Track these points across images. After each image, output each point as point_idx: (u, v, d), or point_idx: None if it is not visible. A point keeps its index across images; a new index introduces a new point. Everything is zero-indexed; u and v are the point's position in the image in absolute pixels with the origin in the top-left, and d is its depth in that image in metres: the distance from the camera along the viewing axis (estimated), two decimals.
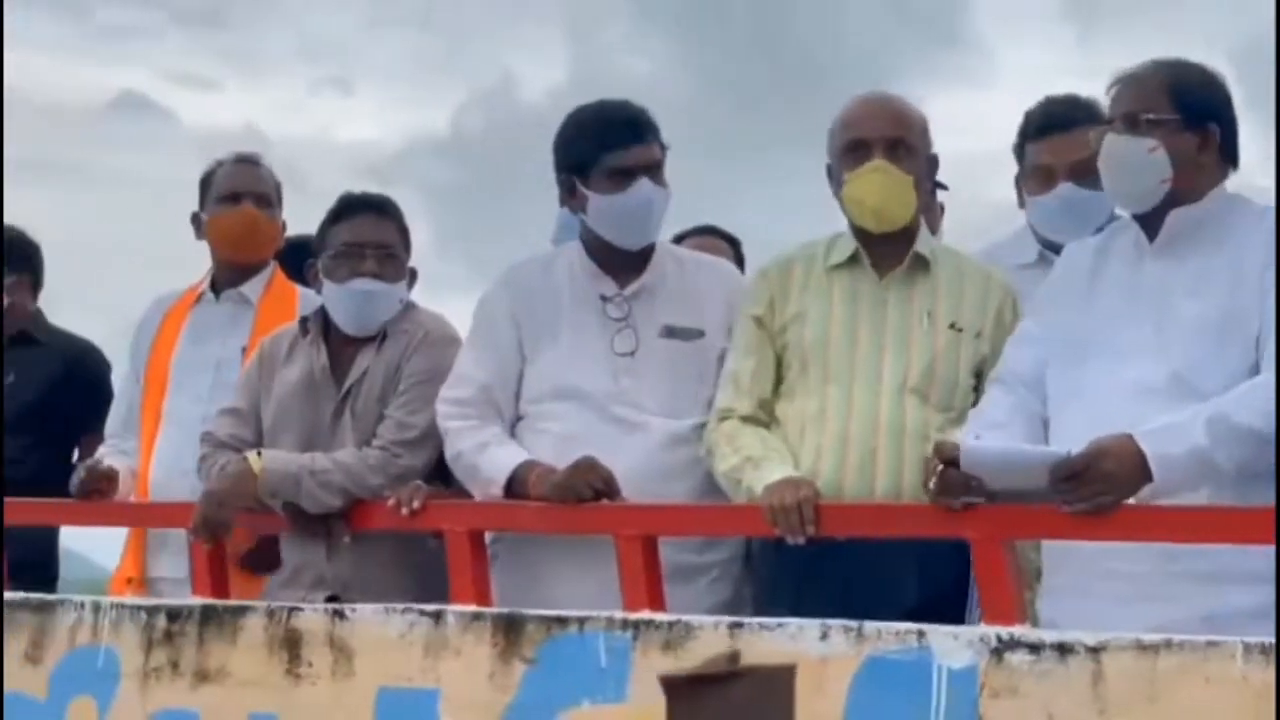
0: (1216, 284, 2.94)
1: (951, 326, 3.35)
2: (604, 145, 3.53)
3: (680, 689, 1.68)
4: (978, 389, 3.33)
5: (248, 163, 4.26)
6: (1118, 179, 3.06)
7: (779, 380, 3.42)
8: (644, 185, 3.52)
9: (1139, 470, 2.78)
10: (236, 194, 4.18)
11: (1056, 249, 3.50)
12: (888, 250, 3.41)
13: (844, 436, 3.30)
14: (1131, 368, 2.96)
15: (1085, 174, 3.51)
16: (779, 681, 1.74)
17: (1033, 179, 3.74)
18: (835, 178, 3.44)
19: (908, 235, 3.42)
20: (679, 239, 4.49)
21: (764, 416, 3.40)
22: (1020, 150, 3.78)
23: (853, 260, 3.43)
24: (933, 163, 3.53)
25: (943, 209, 4.37)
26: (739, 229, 4.86)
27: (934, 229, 4.22)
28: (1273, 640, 2.58)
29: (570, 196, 3.61)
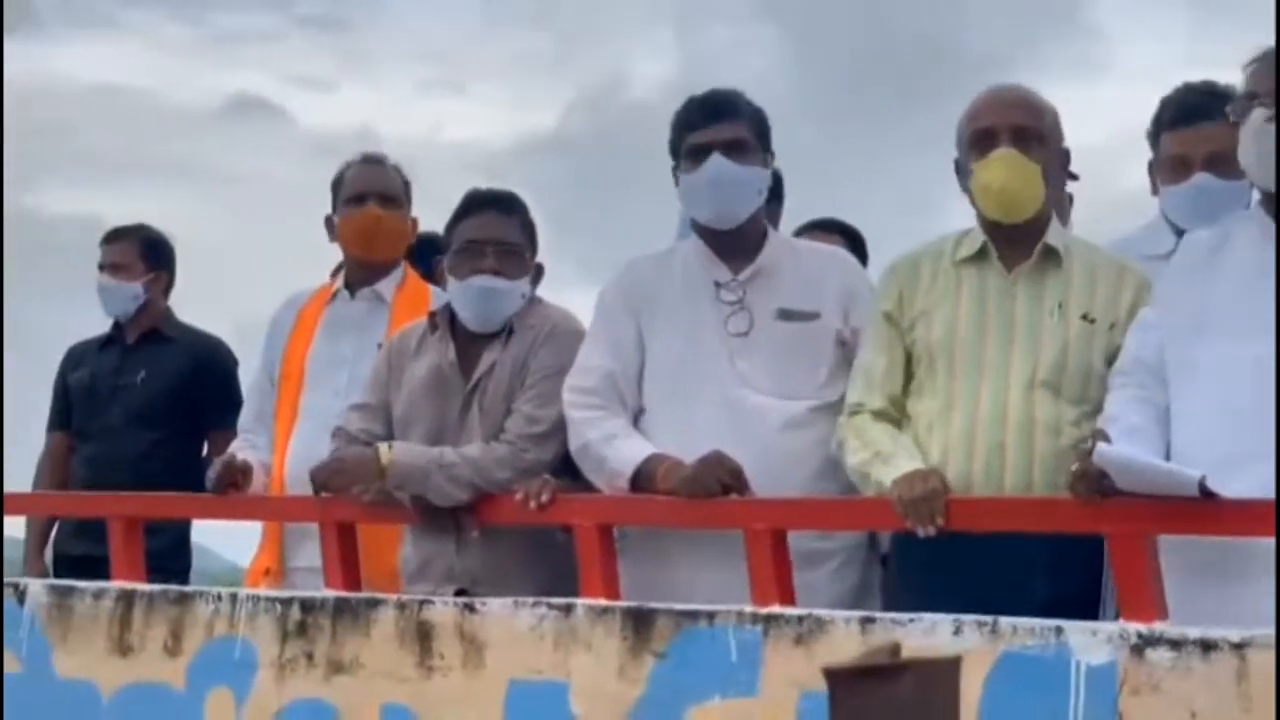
0: None
1: (1084, 318, 3.30)
2: (686, 126, 3.62)
3: (845, 681, 1.66)
4: None
5: (371, 163, 4.32)
6: (1268, 162, 2.99)
7: (909, 378, 3.40)
8: (715, 161, 3.55)
9: None
10: (362, 195, 4.24)
11: None
12: (1017, 244, 3.38)
13: (970, 432, 3.27)
14: (1252, 346, 2.91)
15: (1222, 165, 3.47)
16: (944, 673, 1.73)
17: (1167, 168, 3.69)
18: (963, 171, 3.42)
19: (1037, 228, 3.38)
20: (799, 232, 4.49)
21: (894, 412, 3.38)
22: (1155, 138, 3.73)
23: (981, 255, 3.40)
24: (1064, 156, 3.50)
25: (1072, 200, 4.32)
26: (853, 223, 4.85)
27: (1064, 220, 4.18)
28: None
29: (676, 183, 3.68)
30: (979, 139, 3.36)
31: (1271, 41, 3.05)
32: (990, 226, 3.40)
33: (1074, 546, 3.13)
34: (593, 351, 3.67)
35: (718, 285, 3.62)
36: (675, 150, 3.66)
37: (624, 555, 3.55)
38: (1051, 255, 3.38)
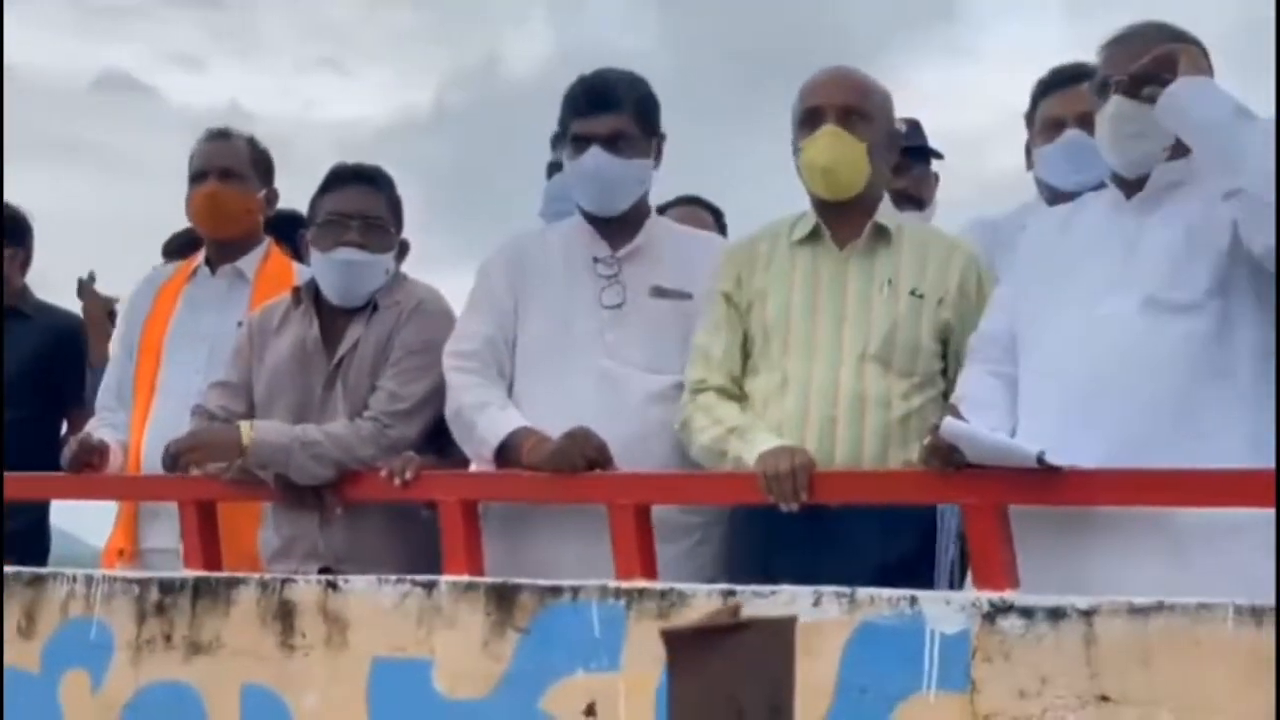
0: (1184, 215, 2.95)
1: (913, 293, 3.36)
2: (573, 112, 3.62)
3: (683, 642, 1.68)
4: (944, 356, 3.36)
5: (214, 139, 4.29)
6: (1123, 143, 3.04)
7: (746, 357, 3.44)
8: (592, 154, 3.57)
9: None
10: (203, 172, 4.22)
11: (1065, 200, 3.49)
12: (849, 223, 3.43)
13: (803, 408, 3.31)
14: (1102, 304, 2.97)
15: (1092, 125, 3.53)
16: (781, 631, 1.75)
17: (1042, 134, 3.73)
18: (795, 149, 3.47)
19: (867, 207, 3.43)
20: (662, 209, 4.51)
21: (736, 390, 3.42)
22: (1031, 118, 3.79)
23: (814, 235, 3.45)
24: (894, 135, 3.54)
25: (937, 179, 4.37)
26: (726, 200, 4.91)
27: (927, 200, 4.24)
28: (1263, 603, 2.58)
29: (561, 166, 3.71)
30: (808, 118, 3.42)
31: (1128, 24, 3.11)
32: (822, 206, 3.45)
33: (906, 516, 3.20)
34: (473, 317, 3.68)
35: (595, 260, 3.64)
36: (561, 132, 3.69)
37: (489, 531, 3.55)
38: (882, 234, 3.43)
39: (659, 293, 3.60)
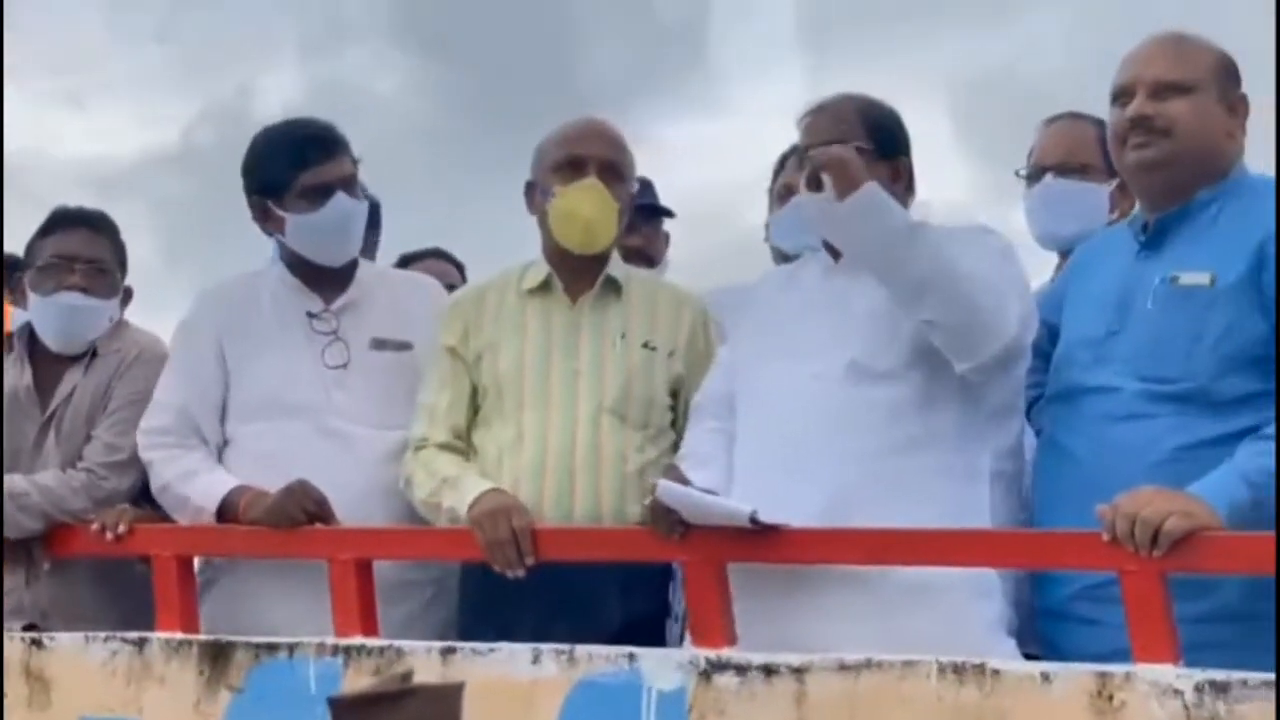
0: None
1: (645, 346, 3.39)
2: (297, 164, 3.48)
3: (348, 709, 1.66)
4: (674, 407, 3.39)
5: None
6: (818, 233, 3.11)
7: (476, 410, 3.41)
8: (341, 200, 3.49)
9: None
10: None
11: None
12: (580, 275, 3.43)
13: (541, 462, 3.30)
14: (811, 363, 3.02)
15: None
16: (448, 697, 1.74)
17: (778, 201, 3.79)
18: (541, 193, 3.43)
19: (600, 260, 3.44)
20: (407, 261, 4.48)
21: (460, 445, 3.39)
22: (771, 189, 3.84)
23: (546, 286, 3.45)
24: (633, 196, 3.55)
25: (668, 239, 4.42)
26: (472, 250, 4.89)
27: (657, 258, 4.28)
28: (965, 659, 2.66)
29: (265, 219, 3.56)
30: (567, 164, 3.39)
31: (822, 96, 3.17)
32: (557, 258, 3.45)
33: (646, 573, 3.22)
34: (167, 388, 3.56)
35: (310, 316, 3.56)
36: (274, 187, 3.50)
37: (207, 588, 3.47)
38: (613, 286, 3.45)
39: (379, 344, 3.55)
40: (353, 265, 3.63)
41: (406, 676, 1.78)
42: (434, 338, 3.50)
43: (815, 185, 2.88)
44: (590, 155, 3.39)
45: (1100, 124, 3.20)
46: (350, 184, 3.53)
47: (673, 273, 4.24)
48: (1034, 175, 3.69)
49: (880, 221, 2.85)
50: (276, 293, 3.59)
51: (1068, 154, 3.64)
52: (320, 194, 3.49)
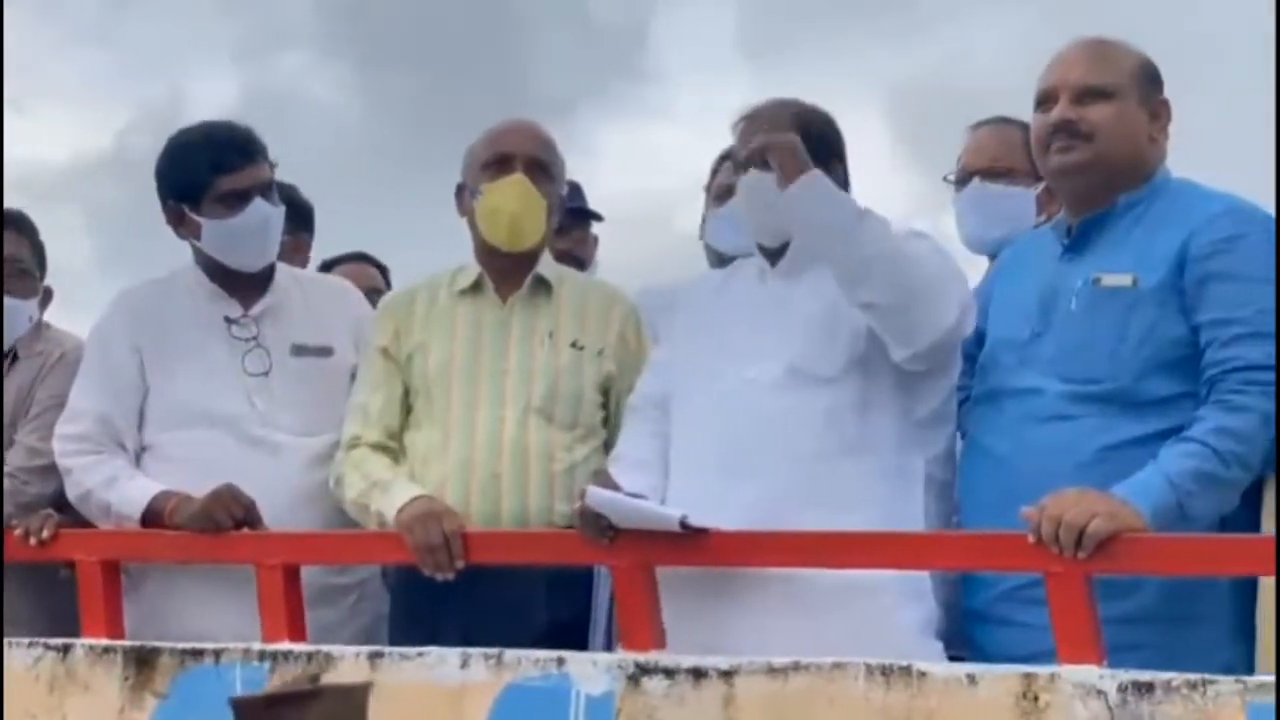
0: (825, 289, 3.01)
1: (573, 345, 3.38)
2: (215, 169, 3.44)
3: (253, 709, 1.65)
4: (605, 405, 3.39)
5: None
6: (760, 216, 3.13)
7: (408, 411, 3.40)
8: (259, 205, 3.46)
9: None
10: None
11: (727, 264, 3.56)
12: (511, 275, 3.42)
13: (468, 461, 3.29)
14: (748, 367, 3.03)
15: None
16: (354, 697, 1.74)
17: (715, 201, 3.79)
18: (470, 193, 3.43)
19: (530, 259, 3.44)
20: (330, 265, 4.46)
21: (393, 445, 3.37)
22: (709, 187, 3.84)
23: (477, 286, 3.44)
24: (563, 199, 3.55)
25: (597, 240, 4.42)
26: (407, 256, 4.88)
27: (587, 261, 4.28)
28: (892, 662, 2.67)
29: (179, 224, 3.52)
30: (494, 163, 3.39)
31: (757, 103, 3.18)
32: (486, 257, 3.44)
33: (572, 576, 3.22)
34: (83, 393, 3.51)
35: (229, 321, 3.52)
36: (190, 191, 3.46)
37: (133, 593, 3.43)
38: (543, 285, 3.44)
39: (299, 350, 3.53)
40: (270, 270, 3.59)
41: (314, 678, 1.77)
42: (363, 340, 3.49)
43: (760, 164, 2.92)
44: (517, 152, 3.39)
45: (1026, 128, 3.23)
46: (268, 189, 3.50)
47: (606, 276, 4.24)
48: (962, 179, 3.72)
49: (829, 202, 2.89)
50: (195, 298, 3.56)
51: (994, 158, 3.67)
52: (238, 199, 3.45)
